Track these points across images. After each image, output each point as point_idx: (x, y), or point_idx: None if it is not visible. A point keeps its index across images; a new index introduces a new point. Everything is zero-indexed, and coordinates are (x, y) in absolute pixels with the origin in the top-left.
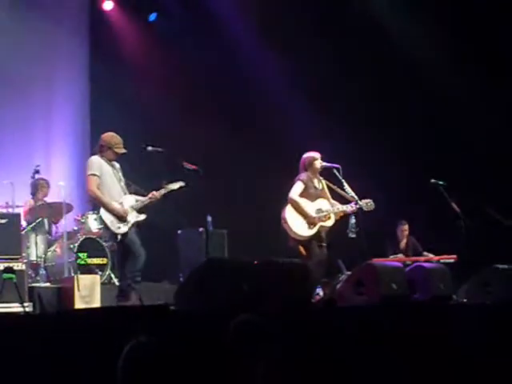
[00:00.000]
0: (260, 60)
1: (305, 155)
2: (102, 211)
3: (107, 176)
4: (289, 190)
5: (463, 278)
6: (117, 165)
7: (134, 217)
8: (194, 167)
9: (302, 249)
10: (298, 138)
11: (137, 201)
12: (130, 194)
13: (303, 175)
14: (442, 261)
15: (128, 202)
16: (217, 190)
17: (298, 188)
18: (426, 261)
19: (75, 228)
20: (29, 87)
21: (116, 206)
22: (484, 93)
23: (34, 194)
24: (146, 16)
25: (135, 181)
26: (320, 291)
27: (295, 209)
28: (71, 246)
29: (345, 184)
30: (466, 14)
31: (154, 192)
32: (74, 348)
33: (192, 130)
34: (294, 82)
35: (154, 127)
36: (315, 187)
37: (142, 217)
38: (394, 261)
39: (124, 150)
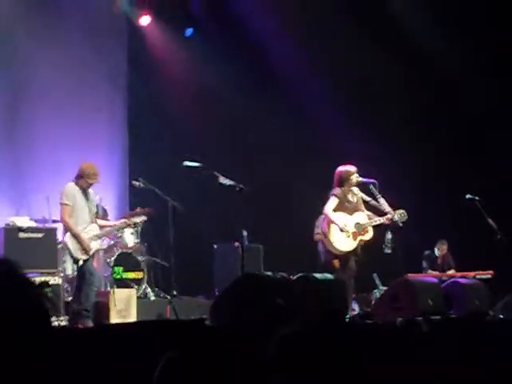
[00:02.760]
0: (297, 73)
1: (340, 168)
2: (68, 237)
3: (78, 205)
4: (323, 204)
5: (500, 293)
6: (91, 193)
7: (96, 245)
8: (230, 183)
9: (336, 263)
10: (335, 152)
11: (101, 229)
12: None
13: (337, 190)
14: (478, 276)
15: (92, 230)
16: (253, 205)
17: (332, 203)
18: (462, 276)
19: (111, 242)
20: (67, 104)
21: (84, 239)
22: None
23: None
24: (182, 31)
25: (172, 196)
26: (356, 306)
27: (332, 223)
28: (107, 260)
29: (381, 199)
30: None
31: (119, 223)
32: (110, 363)
33: (229, 144)
34: (334, 96)
35: (192, 142)
36: (350, 201)
37: (105, 245)
38: (430, 276)
39: (96, 181)
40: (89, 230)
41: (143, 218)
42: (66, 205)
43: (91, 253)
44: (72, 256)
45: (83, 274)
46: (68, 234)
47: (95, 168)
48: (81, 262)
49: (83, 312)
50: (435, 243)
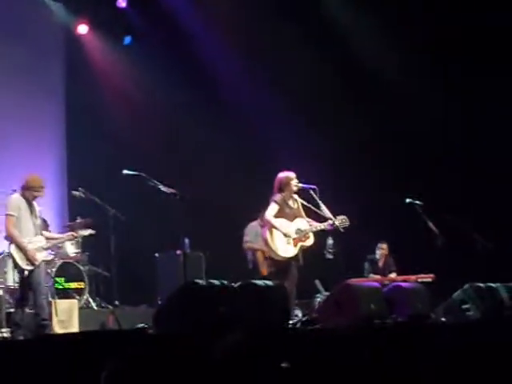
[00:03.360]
0: (238, 81)
1: (280, 175)
2: (13, 248)
3: (24, 214)
4: (263, 211)
5: (441, 297)
6: (35, 205)
7: (42, 256)
8: (170, 191)
9: (264, 271)
10: (275, 158)
11: (47, 241)
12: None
13: (277, 196)
14: (419, 280)
15: (38, 242)
16: (193, 212)
17: (272, 210)
18: (403, 280)
19: (52, 253)
20: (4, 114)
21: (30, 249)
22: (465, 108)
23: None
24: (121, 39)
25: (111, 204)
26: (299, 312)
27: (272, 229)
28: (48, 270)
29: (321, 205)
30: None
31: (66, 237)
32: (52, 373)
33: (167, 153)
34: (272, 103)
35: (131, 152)
36: (290, 207)
37: (50, 257)
38: (372, 281)
39: (41, 194)
40: (34, 241)
41: (90, 231)
42: (11, 216)
43: (37, 263)
44: (17, 266)
45: (30, 284)
46: (13, 245)
47: (41, 181)
48: (26, 273)
49: (43, 322)
50: (375, 248)
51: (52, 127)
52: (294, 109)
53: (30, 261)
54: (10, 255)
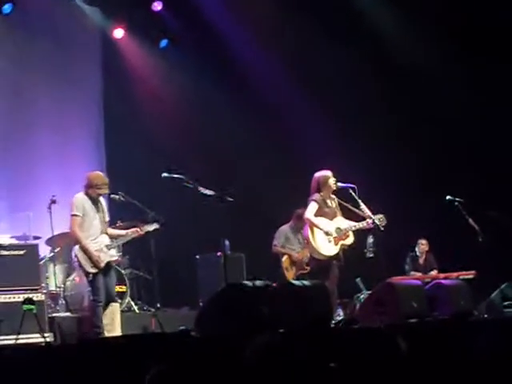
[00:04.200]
0: (274, 83)
1: (317, 174)
2: (78, 250)
3: (89, 214)
4: (299, 211)
5: (483, 293)
6: (102, 202)
7: (107, 257)
8: (210, 192)
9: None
10: (313, 159)
11: (112, 241)
12: (113, 229)
13: (316, 195)
14: (461, 277)
15: (104, 241)
16: (233, 214)
17: (312, 208)
18: (445, 278)
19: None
20: (43, 119)
21: (93, 252)
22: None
23: None
24: (157, 43)
25: (150, 207)
26: (340, 311)
27: (314, 228)
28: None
29: (361, 203)
30: None
31: (134, 232)
32: (96, 377)
33: (205, 155)
34: (311, 106)
35: (168, 153)
36: (329, 206)
37: (115, 257)
38: (413, 279)
39: (106, 191)
40: (99, 241)
41: (155, 225)
42: (76, 215)
43: (102, 265)
44: (82, 269)
45: (92, 288)
46: (77, 246)
47: (103, 177)
48: (90, 277)
49: (95, 329)
50: (416, 244)
51: (90, 133)
52: (329, 108)
53: (94, 264)
54: (76, 257)
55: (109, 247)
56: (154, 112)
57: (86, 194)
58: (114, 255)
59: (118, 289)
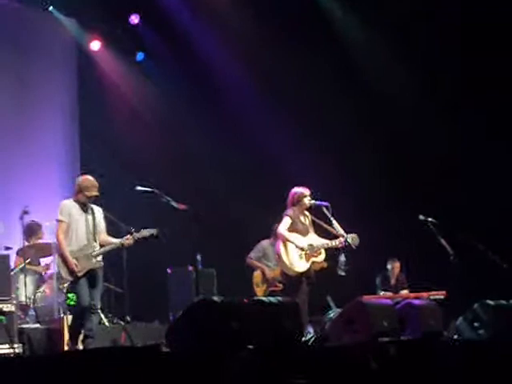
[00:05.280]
0: (248, 98)
1: (294, 190)
2: (58, 258)
3: (75, 221)
4: (277, 227)
5: (453, 314)
6: (95, 208)
7: (89, 264)
8: (182, 207)
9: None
10: (287, 176)
11: (101, 246)
12: (109, 236)
13: (290, 211)
14: (431, 297)
15: (88, 249)
16: (206, 229)
17: (286, 223)
18: (415, 297)
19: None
20: (17, 130)
21: (70, 259)
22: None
23: (28, 236)
24: (133, 56)
25: (123, 221)
26: (311, 329)
27: (286, 243)
28: (61, 286)
29: (333, 221)
30: None
31: (123, 240)
32: None
33: (179, 170)
34: (284, 121)
35: (142, 167)
36: (302, 223)
37: (100, 264)
38: (384, 298)
39: (95, 193)
40: (85, 248)
41: (154, 231)
42: (61, 221)
43: (79, 274)
44: (60, 275)
45: (75, 294)
46: (58, 255)
47: (92, 180)
48: (67, 284)
49: (88, 333)
50: (387, 264)
51: (65, 144)
52: (304, 126)
53: (71, 272)
54: (57, 264)
55: (94, 254)
56: (129, 124)
57: (76, 200)
58: (98, 262)
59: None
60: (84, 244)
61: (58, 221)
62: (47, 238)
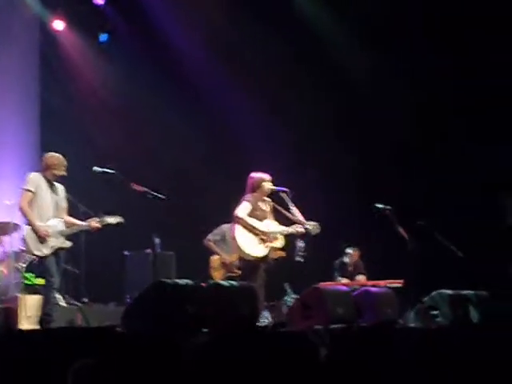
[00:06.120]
0: (214, 81)
1: (253, 175)
2: (26, 229)
3: (42, 195)
4: (234, 210)
5: (410, 302)
6: (59, 187)
7: (58, 242)
8: (142, 189)
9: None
10: (247, 158)
11: (67, 227)
12: (71, 217)
13: (249, 196)
14: (388, 285)
15: (57, 226)
16: (164, 212)
17: (245, 208)
18: (373, 285)
19: (22, 248)
20: None
21: (39, 225)
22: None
23: None
24: (96, 36)
25: (82, 202)
26: (267, 314)
27: (244, 227)
28: (19, 266)
29: (292, 208)
30: None
31: (92, 223)
32: (18, 369)
33: (140, 152)
34: (249, 102)
35: (103, 149)
36: (261, 209)
37: (68, 244)
38: (341, 285)
39: (63, 173)
40: (52, 225)
41: (119, 218)
42: (28, 191)
43: (49, 251)
44: (28, 251)
45: (40, 274)
46: (27, 227)
47: (62, 159)
48: (36, 260)
49: (44, 317)
50: (345, 251)
51: (25, 124)
52: (267, 109)
53: (42, 239)
54: (23, 239)
55: (62, 233)
56: (91, 105)
57: (43, 175)
58: (66, 242)
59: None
60: (51, 221)
61: (24, 189)
62: (4, 217)
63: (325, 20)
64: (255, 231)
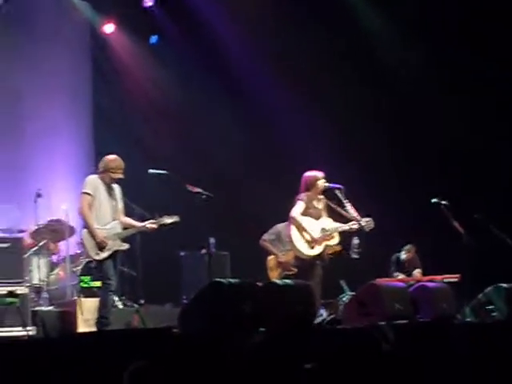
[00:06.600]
0: (261, 82)
1: (307, 174)
2: (84, 233)
3: (100, 198)
4: (290, 210)
5: (467, 297)
6: (116, 188)
7: (115, 245)
8: (196, 190)
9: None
10: (303, 158)
11: (124, 229)
12: (128, 218)
13: (303, 195)
14: (445, 280)
15: (114, 229)
16: (220, 212)
17: (299, 207)
18: (429, 280)
19: (78, 251)
20: (32, 111)
21: (98, 231)
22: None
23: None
24: (146, 38)
25: (139, 204)
26: (324, 312)
27: (298, 228)
28: (74, 269)
29: (347, 204)
30: None
31: (148, 225)
32: (77, 372)
33: (193, 153)
34: (302, 102)
35: (155, 151)
36: (315, 207)
37: (125, 246)
38: (397, 281)
39: (120, 176)
40: (109, 228)
41: (175, 218)
42: (87, 194)
43: (106, 253)
44: (87, 255)
45: (98, 277)
46: (85, 230)
47: (120, 161)
48: (94, 263)
49: (101, 320)
50: (402, 247)
51: (78, 126)
52: (320, 109)
53: (100, 245)
54: (81, 242)
55: (119, 235)
56: (142, 106)
57: (100, 178)
58: (123, 244)
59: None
60: (107, 223)
61: (84, 193)
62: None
63: (371, 16)
64: (307, 233)
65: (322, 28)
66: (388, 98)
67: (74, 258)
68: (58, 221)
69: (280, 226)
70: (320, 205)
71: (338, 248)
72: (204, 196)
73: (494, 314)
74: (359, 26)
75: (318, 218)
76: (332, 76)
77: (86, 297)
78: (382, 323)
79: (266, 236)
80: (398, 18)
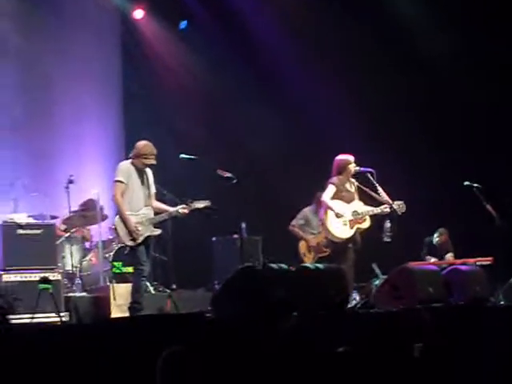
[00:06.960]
0: (293, 69)
1: (338, 157)
2: (118, 220)
3: (133, 185)
4: (321, 194)
5: (500, 280)
6: (149, 173)
7: (148, 231)
8: (227, 174)
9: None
10: (333, 143)
11: (156, 214)
12: (160, 203)
13: (335, 179)
14: (478, 263)
15: (146, 215)
16: (251, 197)
17: (330, 191)
18: (462, 263)
19: (110, 237)
20: (61, 98)
21: (131, 220)
22: None
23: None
24: (176, 24)
25: (170, 189)
26: (356, 295)
27: (328, 211)
28: (106, 255)
29: (379, 188)
30: None
31: (180, 209)
32: (111, 357)
33: (223, 138)
34: (330, 87)
35: (185, 135)
36: (347, 190)
37: (157, 232)
38: (430, 264)
39: (153, 162)
40: (141, 214)
41: (207, 202)
42: (120, 182)
43: (140, 239)
44: (119, 241)
45: (130, 263)
46: (118, 216)
47: (152, 147)
48: (128, 249)
49: (134, 305)
50: (434, 231)
51: (108, 112)
52: (351, 94)
53: (132, 233)
54: (114, 228)
55: (151, 221)
56: (173, 93)
57: (132, 163)
58: (155, 230)
59: (134, 270)
60: (140, 209)
61: (117, 181)
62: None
63: (407, 3)
64: (338, 216)
65: (355, 15)
66: (421, 85)
67: (106, 244)
68: (89, 202)
69: (306, 210)
70: (352, 188)
71: (368, 224)
72: (235, 181)
73: None
74: (393, 12)
75: (350, 201)
76: (364, 63)
77: (119, 282)
78: (419, 306)
79: (294, 221)
80: (434, 5)
